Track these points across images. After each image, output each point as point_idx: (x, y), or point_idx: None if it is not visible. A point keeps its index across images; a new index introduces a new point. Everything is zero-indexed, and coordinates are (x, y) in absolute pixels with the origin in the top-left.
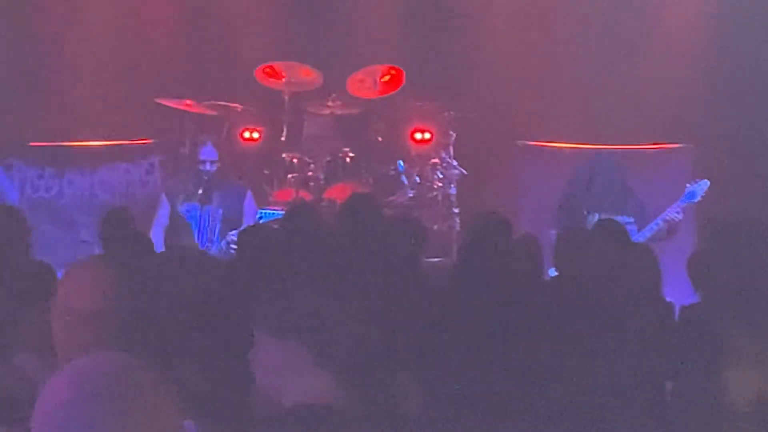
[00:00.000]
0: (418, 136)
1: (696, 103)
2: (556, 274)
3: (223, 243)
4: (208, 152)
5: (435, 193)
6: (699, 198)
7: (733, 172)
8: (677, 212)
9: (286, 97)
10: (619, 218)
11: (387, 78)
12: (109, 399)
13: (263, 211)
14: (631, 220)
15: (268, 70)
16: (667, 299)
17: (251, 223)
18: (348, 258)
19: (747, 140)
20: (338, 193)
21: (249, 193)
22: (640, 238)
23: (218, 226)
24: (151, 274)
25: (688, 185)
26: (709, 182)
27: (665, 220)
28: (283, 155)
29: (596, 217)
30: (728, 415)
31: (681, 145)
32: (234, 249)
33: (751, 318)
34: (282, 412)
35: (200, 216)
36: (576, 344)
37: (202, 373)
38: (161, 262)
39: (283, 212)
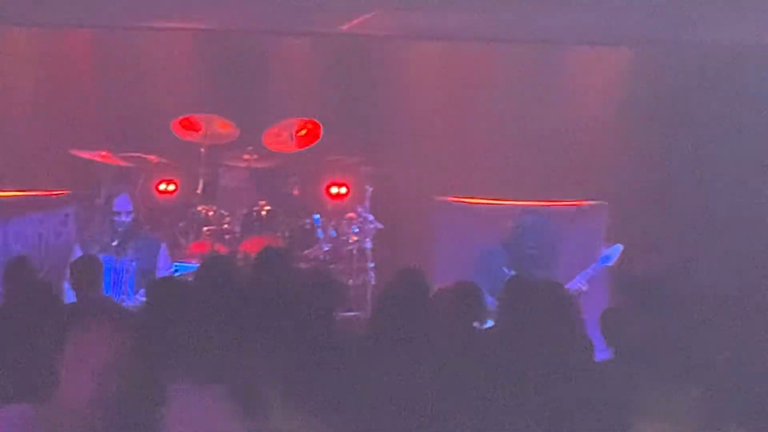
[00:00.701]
0: (335, 190)
1: (611, 161)
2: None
3: (137, 296)
4: (122, 203)
5: (350, 247)
6: (613, 262)
7: (645, 231)
8: (594, 272)
9: (203, 150)
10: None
11: (303, 132)
12: None
13: (178, 264)
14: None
15: (185, 122)
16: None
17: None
18: (262, 311)
19: (658, 200)
20: (254, 246)
21: (163, 247)
22: None
23: (132, 279)
24: (57, 325)
25: (603, 249)
26: (621, 246)
27: (582, 281)
28: (199, 208)
29: (514, 273)
30: None
31: (596, 203)
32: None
33: (662, 374)
34: None
35: (114, 268)
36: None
37: (114, 426)
38: (70, 313)
39: (197, 265)
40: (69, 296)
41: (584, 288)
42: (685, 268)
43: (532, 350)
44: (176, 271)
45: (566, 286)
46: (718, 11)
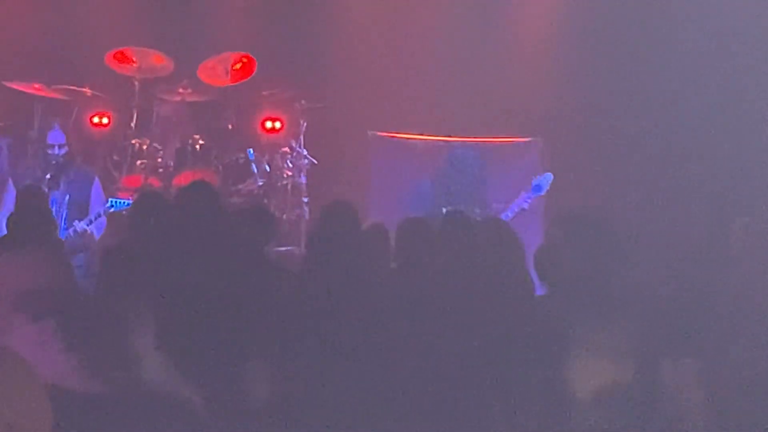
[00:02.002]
0: (269, 124)
1: (545, 98)
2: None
3: (70, 230)
4: (55, 136)
5: (285, 182)
6: (545, 191)
7: (579, 167)
8: (525, 202)
9: (137, 83)
10: (470, 210)
11: (238, 66)
12: None
13: (113, 199)
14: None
15: (118, 55)
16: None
17: (99, 211)
18: (194, 246)
19: (592, 136)
20: (187, 180)
21: (96, 181)
22: None
23: (65, 212)
24: None
25: (534, 178)
26: (552, 175)
27: (514, 211)
28: (133, 141)
29: (446, 208)
30: (572, 404)
31: (529, 139)
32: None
33: (596, 310)
34: None
35: (50, 201)
36: (422, 330)
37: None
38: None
39: (131, 201)
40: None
41: (517, 216)
42: (619, 204)
43: (471, 285)
44: (111, 207)
45: (500, 217)
46: None
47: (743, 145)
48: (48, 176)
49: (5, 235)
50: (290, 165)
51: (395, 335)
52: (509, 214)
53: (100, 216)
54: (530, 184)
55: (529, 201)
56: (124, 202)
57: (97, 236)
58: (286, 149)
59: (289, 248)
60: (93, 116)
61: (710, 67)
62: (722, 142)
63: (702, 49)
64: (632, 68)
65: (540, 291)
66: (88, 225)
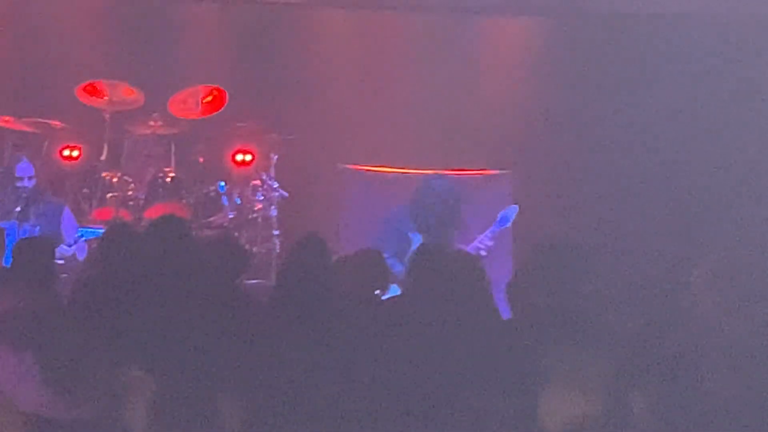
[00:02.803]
0: (240, 157)
1: (514, 131)
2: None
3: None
4: (24, 168)
5: (255, 214)
6: (510, 223)
7: (548, 199)
8: (492, 234)
9: (108, 116)
10: (439, 242)
11: (209, 99)
12: None
13: (83, 229)
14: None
15: (89, 88)
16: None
17: (70, 241)
18: (165, 279)
19: (560, 168)
20: (158, 213)
21: (66, 210)
22: None
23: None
24: None
25: (500, 212)
26: (517, 207)
27: (481, 244)
28: (104, 174)
29: (419, 238)
30: None
31: (499, 172)
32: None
33: (566, 341)
34: None
35: (18, 234)
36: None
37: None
38: None
39: (102, 230)
40: None
41: (483, 249)
42: (591, 237)
43: (438, 317)
44: (82, 236)
45: (466, 249)
46: None
47: (713, 177)
48: (17, 209)
49: None
50: (261, 198)
51: (365, 366)
52: (477, 246)
53: (78, 240)
54: (497, 216)
55: (496, 232)
56: (94, 232)
57: (80, 258)
58: (257, 182)
59: (259, 281)
60: (63, 149)
61: (680, 96)
62: (692, 173)
63: (672, 79)
64: (602, 100)
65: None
66: (69, 247)
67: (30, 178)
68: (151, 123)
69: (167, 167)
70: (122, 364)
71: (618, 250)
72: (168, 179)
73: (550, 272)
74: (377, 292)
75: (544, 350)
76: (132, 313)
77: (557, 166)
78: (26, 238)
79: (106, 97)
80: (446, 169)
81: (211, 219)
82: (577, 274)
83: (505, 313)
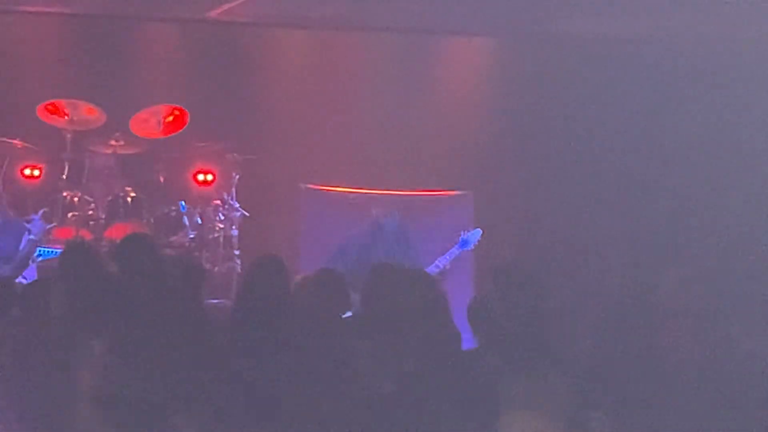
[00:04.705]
0: (201, 177)
1: (475, 151)
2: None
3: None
4: None
5: (216, 234)
6: (472, 246)
7: (509, 220)
8: (452, 257)
9: (69, 135)
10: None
11: (171, 118)
12: None
13: (41, 248)
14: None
15: (50, 107)
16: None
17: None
18: (125, 298)
19: (521, 189)
20: (119, 232)
21: (26, 231)
22: None
23: None
24: None
25: (462, 233)
26: (481, 231)
27: (441, 265)
28: (64, 193)
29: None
30: None
31: (459, 193)
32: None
33: (527, 362)
34: None
35: None
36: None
37: None
38: None
39: (60, 250)
40: None
41: (443, 270)
42: (548, 257)
43: (396, 339)
44: (39, 255)
45: (425, 270)
46: (583, 3)
47: (675, 200)
48: None
49: None
50: (222, 217)
51: (324, 389)
52: (437, 268)
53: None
54: (458, 238)
55: (456, 255)
56: (52, 251)
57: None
58: (218, 202)
59: (220, 301)
60: (24, 168)
61: (644, 116)
62: (653, 192)
63: (636, 99)
64: (562, 120)
65: (468, 344)
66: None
67: None
68: (113, 142)
69: (128, 187)
70: (81, 381)
71: (580, 270)
72: (129, 199)
73: (511, 294)
74: (338, 312)
75: (504, 373)
76: (91, 332)
77: (518, 186)
78: None
79: (67, 117)
80: (405, 190)
81: (173, 238)
82: (538, 295)
83: (467, 336)
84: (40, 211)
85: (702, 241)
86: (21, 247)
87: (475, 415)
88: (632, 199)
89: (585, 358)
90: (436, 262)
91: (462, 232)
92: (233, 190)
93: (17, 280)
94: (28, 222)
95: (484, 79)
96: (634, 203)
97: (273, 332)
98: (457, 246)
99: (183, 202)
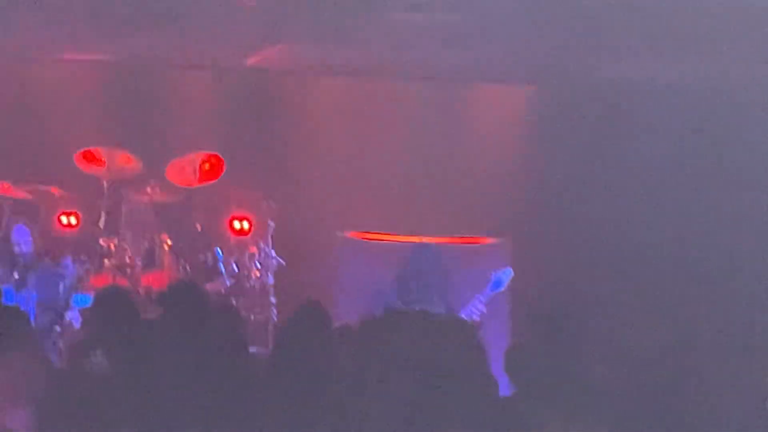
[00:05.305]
0: (237, 224)
1: (509, 198)
2: None
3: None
4: (20, 234)
5: (253, 282)
6: (505, 286)
7: (545, 265)
8: (485, 298)
9: (105, 183)
10: (433, 309)
11: (207, 166)
12: None
13: (78, 295)
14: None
15: (87, 155)
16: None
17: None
18: (163, 346)
19: (556, 234)
20: (155, 280)
21: (63, 279)
22: None
23: (33, 310)
24: None
25: (493, 274)
26: (512, 270)
27: (476, 309)
28: (101, 241)
29: (410, 308)
30: None
31: (493, 239)
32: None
33: (567, 410)
34: None
35: (15, 299)
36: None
37: None
38: None
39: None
40: None
41: (478, 314)
42: (586, 301)
43: (435, 385)
44: (75, 302)
45: (461, 314)
46: (622, 49)
47: (716, 244)
48: (15, 275)
49: None
50: (258, 265)
51: None
52: (471, 312)
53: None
54: (490, 280)
55: (489, 296)
56: (88, 299)
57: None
58: (254, 249)
59: (257, 349)
60: (61, 215)
61: (677, 159)
62: (691, 237)
63: (670, 143)
64: (597, 166)
65: (505, 391)
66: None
67: (27, 244)
68: (149, 190)
69: (164, 234)
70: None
71: (617, 315)
72: (165, 246)
73: (550, 340)
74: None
75: (542, 421)
76: (128, 380)
77: (553, 233)
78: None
79: (104, 164)
80: (440, 237)
81: (209, 286)
82: (577, 341)
83: (504, 383)
84: (69, 258)
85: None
86: (57, 295)
87: None
88: (675, 243)
89: (627, 407)
90: (471, 304)
91: (493, 273)
92: (269, 237)
93: (55, 328)
94: (62, 268)
95: (518, 126)
96: (677, 247)
97: (310, 380)
98: (489, 287)
99: (219, 250)
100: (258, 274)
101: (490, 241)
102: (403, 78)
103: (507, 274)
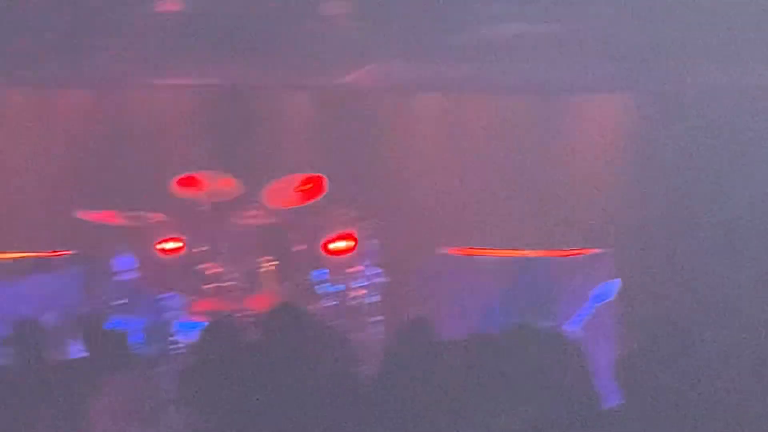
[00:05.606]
0: (340, 244)
1: (613, 208)
2: None
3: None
4: (125, 262)
5: (357, 301)
6: (613, 297)
7: (651, 276)
8: (591, 309)
9: (206, 207)
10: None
11: (308, 186)
12: None
13: (184, 323)
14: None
15: (187, 180)
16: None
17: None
18: (269, 369)
19: (662, 244)
20: (259, 303)
21: (168, 305)
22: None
23: (141, 336)
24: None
25: (599, 286)
26: (620, 281)
27: (581, 321)
28: (203, 265)
29: (515, 322)
30: None
31: (598, 250)
32: None
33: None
34: None
35: (123, 327)
36: None
37: None
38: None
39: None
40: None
41: (583, 326)
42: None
43: (541, 400)
44: (182, 329)
45: (564, 327)
46: (717, 56)
47: None
48: (120, 302)
49: None
50: (362, 284)
51: None
52: (577, 325)
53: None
54: (596, 291)
55: (595, 308)
56: (195, 325)
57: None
58: (358, 268)
59: (363, 368)
60: (163, 241)
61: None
62: None
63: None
64: (700, 172)
65: (610, 403)
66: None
67: (132, 271)
68: (250, 213)
69: (267, 256)
70: None
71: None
72: (269, 268)
73: (658, 351)
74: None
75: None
76: (235, 404)
77: (658, 243)
78: None
79: (203, 189)
80: (544, 250)
81: (312, 308)
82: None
83: (611, 395)
84: (173, 284)
85: None
86: (162, 321)
87: None
88: None
89: (738, 417)
90: (577, 316)
91: (600, 284)
92: (372, 256)
93: (161, 354)
94: (166, 295)
95: (619, 136)
96: None
97: (420, 400)
98: (594, 298)
99: (323, 270)
100: (362, 293)
101: (592, 251)
102: (504, 91)
103: (614, 285)
